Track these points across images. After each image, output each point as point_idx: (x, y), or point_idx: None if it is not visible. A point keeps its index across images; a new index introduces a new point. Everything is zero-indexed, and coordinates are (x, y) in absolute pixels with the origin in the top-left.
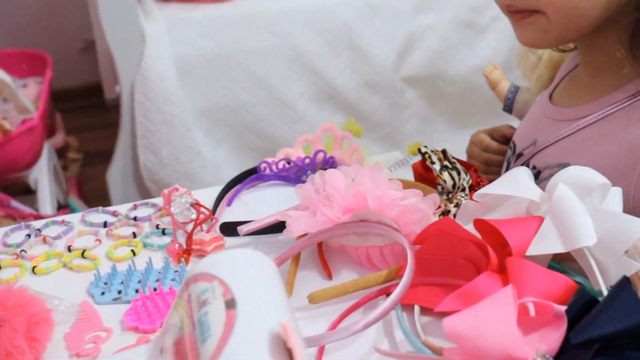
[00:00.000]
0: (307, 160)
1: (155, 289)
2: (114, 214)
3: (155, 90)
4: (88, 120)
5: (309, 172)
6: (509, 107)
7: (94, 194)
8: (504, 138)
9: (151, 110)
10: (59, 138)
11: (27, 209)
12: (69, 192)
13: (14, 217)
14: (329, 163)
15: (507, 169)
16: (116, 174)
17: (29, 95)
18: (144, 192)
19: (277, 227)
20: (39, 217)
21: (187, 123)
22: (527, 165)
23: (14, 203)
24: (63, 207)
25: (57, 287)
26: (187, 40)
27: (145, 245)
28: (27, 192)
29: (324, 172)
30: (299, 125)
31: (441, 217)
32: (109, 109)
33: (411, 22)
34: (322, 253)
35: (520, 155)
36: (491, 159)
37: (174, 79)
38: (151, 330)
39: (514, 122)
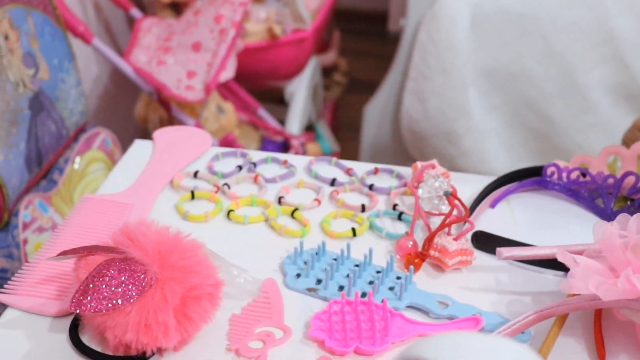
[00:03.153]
0: (611, 180)
1: (363, 295)
2: (348, 172)
3: (442, 34)
4: (364, 46)
5: (609, 196)
6: None
7: (346, 123)
8: None
9: (431, 54)
10: (331, 57)
11: (272, 121)
12: (323, 113)
13: (256, 125)
14: None
15: None
16: (374, 110)
17: (310, 5)
18: (397, 138)
19: (551, 260)
20: (280, 133)
21: (465, 78)
22: None
23: (261, 112)
24: (309, 130)
25: (246, 245)
26: None
27: (371, 227)
28: (280, 102)
29: None
30: (585, 116)
31: None
32: (388, 40)
33: None
34: (600, 324)
35: None
36: None
37: (466, 29)
38: (339, 353)
39: None
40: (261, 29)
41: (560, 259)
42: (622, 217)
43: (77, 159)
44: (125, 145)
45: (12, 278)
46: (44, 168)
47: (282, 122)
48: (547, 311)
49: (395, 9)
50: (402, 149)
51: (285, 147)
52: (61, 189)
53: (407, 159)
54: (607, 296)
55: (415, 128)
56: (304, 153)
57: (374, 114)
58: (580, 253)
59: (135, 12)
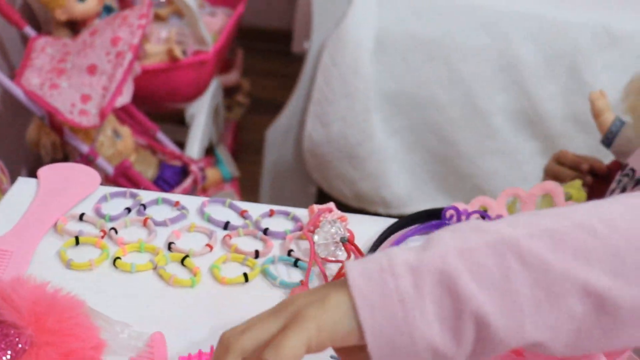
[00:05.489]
0: None
1: None
2: (243, 214)
3: (346, 58)
4: (267, 66)
5: None
6: (609, 141)
7: (248, 145)
8: (590, 170)
9: (335, 77)
10: (233, 77)
11: (170, 145)
12: (224, 135)
13: (154, 149)
14: None
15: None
16: (277, 133)
17: (213, 25)
18: (299, 162)
19: None
20: (179, 157)
21: (368, 102)
22: None
23: (160, 135)
24: (209, 154)
25: (133, 296)
26: (396, 14)
27: (265, 274)
28: (180, 122)
29: None
30: (488, 141)
31: None
32: (292, 60)
33: None
34: None
35: None
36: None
37: (370, 52)
38: None
39: None
40: (161, 50)
41: None
42: None
43: None
44: (15, 172)
45: None
46: None
47: (182, 143)
48: None
49: (300, 29)
50: (305, 173)
51: (184, 172)
52: None
53: (309, 183)
54: None
55: (317, 152)
56: (203, 178)
57: (276, 136)
58: None
59: (29, 30)
